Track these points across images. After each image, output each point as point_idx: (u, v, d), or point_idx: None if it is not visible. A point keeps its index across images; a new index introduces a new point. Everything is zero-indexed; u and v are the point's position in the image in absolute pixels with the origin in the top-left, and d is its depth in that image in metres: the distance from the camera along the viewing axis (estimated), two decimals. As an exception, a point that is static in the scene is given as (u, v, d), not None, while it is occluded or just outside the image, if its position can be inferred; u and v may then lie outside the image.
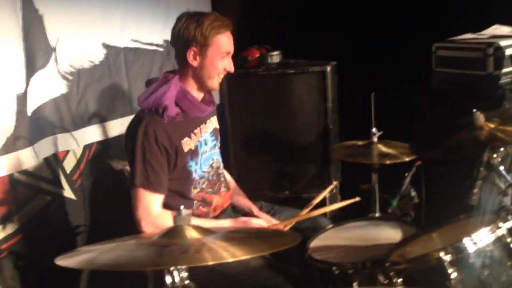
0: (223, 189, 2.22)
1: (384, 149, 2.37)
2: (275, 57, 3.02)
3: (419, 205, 2.26)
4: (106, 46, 2.69)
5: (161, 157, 1.97)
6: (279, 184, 3.06)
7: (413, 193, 2.23)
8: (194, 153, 2.07)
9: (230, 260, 1.10)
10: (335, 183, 2.50)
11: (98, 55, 2.65)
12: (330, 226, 2.16)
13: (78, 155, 2.58)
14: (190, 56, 2.01)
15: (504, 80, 2.64)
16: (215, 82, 2.06)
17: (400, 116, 2.88)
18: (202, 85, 2.07)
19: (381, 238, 1.99)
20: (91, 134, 2.63)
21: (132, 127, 2.04)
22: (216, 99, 3.18)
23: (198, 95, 2.11)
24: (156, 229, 1.89)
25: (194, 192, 2.10)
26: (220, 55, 2.02)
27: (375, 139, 2.39)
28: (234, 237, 1.28)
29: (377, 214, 2.46)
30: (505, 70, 2.65)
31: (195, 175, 2.09)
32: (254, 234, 1.41)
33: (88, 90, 2.60)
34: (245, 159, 3.08)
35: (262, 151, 3.03)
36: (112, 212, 2.63)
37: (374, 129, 2.38)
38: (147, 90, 2.05)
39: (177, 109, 2.01)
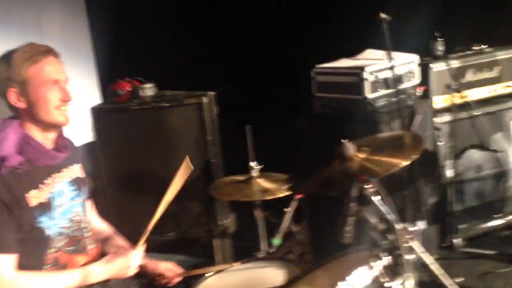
0: (90, 246, 1.96)
1: (264, 184, 2.25)
2: (149, 89, 2.82)
3: (303, 241, 2.15)
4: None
5: (4, 212, 1.69)
6: (163, 225, 2.82)
7: (295, 229, 2.11)
8: (45, 206, 1.80)
9: None
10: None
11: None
12: (211, 273, 1.99)
13: None
14: (11, 98, 1.79)
15: (379, 103, 2.68)
16: (57, 116, 1.82)
17: (283, 145, 2.81)
18: (45, 125, 1.83)
19: (264, 283, 1.88)
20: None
21: None
22: (88, 138, 2.93)
23: (46, 139, 1.86)
24: None
25: (48, 253, 1.82)
26: (45, 86, 1.79)
27: (254, 173, 2.27)
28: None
29: (264, 252, 2.33)
30: (379, 93, 2.69)
31: (50, 232, 1.81)
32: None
33: None
34: (124, 202, 2.82)
35: (142, 192, 2.79)
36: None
37: (252, 163, 2.26)
38: None
39: (21, 157, 1.76)
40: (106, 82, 3.05)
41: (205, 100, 2.72)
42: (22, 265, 1.74)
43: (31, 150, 1.79)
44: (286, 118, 2.84)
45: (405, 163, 1.57)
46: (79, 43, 3.16)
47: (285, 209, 2.06)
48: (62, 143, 1.91)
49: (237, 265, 1.99)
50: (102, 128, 2.76)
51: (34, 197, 1.77)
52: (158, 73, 2.89)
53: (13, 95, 1.78)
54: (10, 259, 1.71)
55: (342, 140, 1.76)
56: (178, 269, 2.03)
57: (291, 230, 2.10)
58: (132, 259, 1.87)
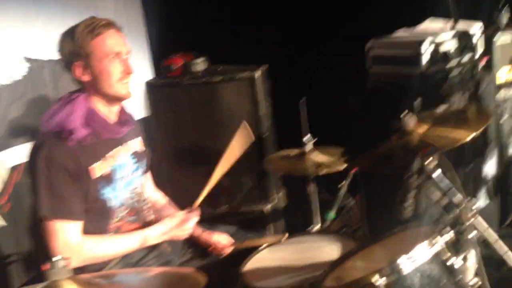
0: (150, 217, 2.02)
1: (318, 158, 2.22)
2: (200, 64, 2.82)
3: (359, 215, 2.11)
4: (28, 59, 2.54)
5: (71, 181, 1.77)
6: (216, 199, 2.87)
7: (351, 203, 2.08)
8: (108, 179, 1.86)
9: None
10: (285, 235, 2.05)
11: (19, 70, 2.50)
12: (264, 245, 1.99)
13: (5, 178, 2.42)
14: (77, 72, 1.85)
15: (440, 75, 2.56)
16: (119, 89, 1.86)
17: (337, 119, 2.75)
18: (108, 98, 1.88)
19: (318, 256, 1.87)
20: (18, 154, 2.45)
21: (32, 154, 1.83)
22: (142, 112, 2.99)
23: (111, 113, 1.91)
24: (82, 260, 1.75)
25: (112, 222, 1.89)
26: (107, 59, 1.83)
27: (308, 147, 2.24)
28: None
29: (317, 227, 2.31)
30: (439, 65, 2.56)
31: (113, 203, 1.88)
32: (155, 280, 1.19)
33: (11, 108, 2.45)
34: (178, 175, 2.87)
35: (195, 166, 2.82)
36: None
37: (306, 138, 2.23)
38: (49, 111, 1.86)
39: (87, 130, 1.82)
40: (159, 56, 3.08)
41: (257, 74, 2.70)
42: (87, 234, 1.81)
43: (97, 124, 1.84)
44: (341, 92, 2.77)
45: (470, 136, 1.50)
46: (131, 18, 3.19)
47: (339, 185, 2.03)
48: (125, 117, 1.97)
49: (286, 238, 1.96)
50: (156, 103, 2.82)
51: (98, 169, 1.83)
52: (211, 46, 2.88)
53: (78, 69, 1.84)
54: (77, 226, 1.79)
55: (402, 114, 1.70)
56: (230, 240, 2.06)
57: (346, 204, 2.07)
58: (187, 222, 1.92)
